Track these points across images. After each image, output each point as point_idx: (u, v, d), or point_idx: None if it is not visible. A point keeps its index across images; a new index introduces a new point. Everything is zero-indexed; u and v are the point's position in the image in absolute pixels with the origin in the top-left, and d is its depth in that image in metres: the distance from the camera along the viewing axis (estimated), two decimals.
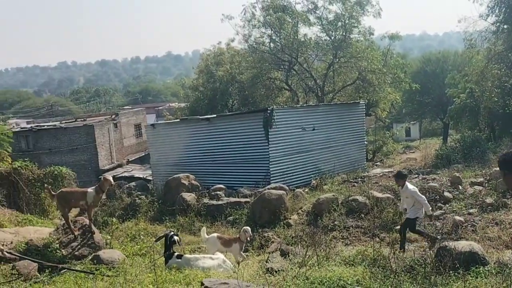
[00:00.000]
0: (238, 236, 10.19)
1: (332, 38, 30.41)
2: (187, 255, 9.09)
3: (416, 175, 16.02)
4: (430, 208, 9.97)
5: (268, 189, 15.03)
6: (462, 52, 35.50)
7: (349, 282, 6.88)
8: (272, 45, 31.61)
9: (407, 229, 10.00)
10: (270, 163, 18.38)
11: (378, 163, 28.68)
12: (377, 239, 10.27)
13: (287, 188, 15.86)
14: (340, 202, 13.43)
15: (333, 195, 13.78)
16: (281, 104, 30.96)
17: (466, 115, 26.94)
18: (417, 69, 46.97)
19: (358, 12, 29.38)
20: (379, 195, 13.25)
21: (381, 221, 11.98)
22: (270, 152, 18.41)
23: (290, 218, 13.48)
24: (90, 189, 10.66)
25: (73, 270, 9.00)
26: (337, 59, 30.41)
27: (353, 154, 21.72)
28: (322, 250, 9.05)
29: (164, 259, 9.09)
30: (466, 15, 27.21)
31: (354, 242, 11.41)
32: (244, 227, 10.28)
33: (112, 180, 10.77)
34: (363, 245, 10.52)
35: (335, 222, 12.48)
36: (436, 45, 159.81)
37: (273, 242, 11.95)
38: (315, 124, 19.93)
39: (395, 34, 30.13)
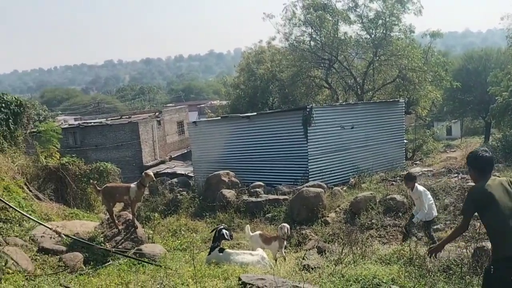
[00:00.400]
0: (277, 234, 10.34)
1: (373, 36, 30.24)
2: (229, 250, 9.26)
3: (456, 174, 15.84)
4: (420, 219, 10.09)
5: (307, 186, 15.09)
6: (505, 49, 34.54)
7: (384, 281, 6.89)
8: (312, 43, 31.65)
9: (429, 228, 10.20)
10: (309, 161, 18.45)
11: (417, 162, 28.27)
12: (414, 238, 10.25)
13: (325, 186, 15.91)
14: (377, 200, 13.45)
15: (371, 194, 13.81)
16: (321, 102, 30.94)
17: (508, 114, 26.14)
18: (459, 67, 45.90)
19: (398, 10, 29.11)
20: None
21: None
22: (308, 150, 18.48)
23: (327, 216, 13.55)
24: (132, 184, 10.77)
25: (125, 256, 9.31)
26: (377, 57, 30.18)
27: (392, 153, 21.52)
28: (358, 248, 9.07)
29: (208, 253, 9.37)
30: (509, 12, 26.55)
31: (391, 241, 11.40)
32: (281, 224, 10.42)
33: (152, 175, 10.96)
34: (400, 244, 10.52)
35: (373, 221, 12.52)
36: (479, 42, 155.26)
37: (310, 239, 12.07)
38: (354, 122, 19.88)
39: (437, 32, 29.61)
